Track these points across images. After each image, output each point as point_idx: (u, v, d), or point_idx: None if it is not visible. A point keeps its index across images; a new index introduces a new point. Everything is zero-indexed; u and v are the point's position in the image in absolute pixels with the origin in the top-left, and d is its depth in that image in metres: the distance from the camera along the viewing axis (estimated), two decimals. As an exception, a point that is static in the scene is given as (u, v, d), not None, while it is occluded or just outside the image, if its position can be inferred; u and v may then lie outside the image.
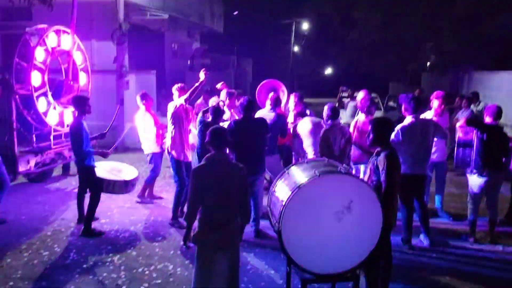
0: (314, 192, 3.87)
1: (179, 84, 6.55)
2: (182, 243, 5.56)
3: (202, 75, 6.12)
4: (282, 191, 4.16)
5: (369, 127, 4.30)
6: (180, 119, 6.22)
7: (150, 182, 7.15)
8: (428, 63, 22.88)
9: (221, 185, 3.62)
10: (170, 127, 6.26)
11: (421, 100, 5.74)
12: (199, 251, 3.66)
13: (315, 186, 3.86)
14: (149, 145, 6.92)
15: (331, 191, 3.90)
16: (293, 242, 3.89)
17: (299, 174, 4.17)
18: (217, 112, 5.87)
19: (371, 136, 4.24)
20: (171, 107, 6.30)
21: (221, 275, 3.62)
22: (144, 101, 6.88)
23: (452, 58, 18.28)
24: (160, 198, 7.35)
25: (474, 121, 6.05)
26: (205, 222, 3.65)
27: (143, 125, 6.86)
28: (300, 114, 6.61)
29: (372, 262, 4.08)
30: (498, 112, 5.64)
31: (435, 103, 6.41)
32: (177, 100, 6.29)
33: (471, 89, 15.06)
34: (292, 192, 3.86)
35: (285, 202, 3.85)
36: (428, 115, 6.42)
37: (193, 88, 6.10)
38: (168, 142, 6.29)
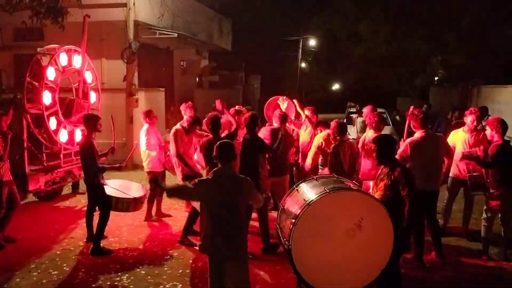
0: (324, 209, 3.85)
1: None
2: (191, 261, 5.53)
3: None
4: (291, 208, 4.14)
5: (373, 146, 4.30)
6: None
7: (152, 202, 7.14)
8: (436, 78, 22.84)
9: (227, 198, 3.67)
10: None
11: (429, 115, 5.70)
12: (210, 261, 3.76)
13: (325, 203, 3.84)
14: (151, 164, 6.93)
15: (341, 208, 3.87)
16: (303, 260, 3.85)
17: (308, 191, 4.15)
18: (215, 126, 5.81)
19: (376, 153, 4.25)
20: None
21: (234, 284, 3.72)
22: (147, 119, 6.93)
23: (460, 72, 18.22)
24: (169, 216, 7.33)
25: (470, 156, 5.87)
26: (214, 233, 3.69)
27: (145, 143, 6.87)
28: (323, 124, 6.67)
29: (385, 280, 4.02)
30: (504, 127, 5.50)
31: (469, 119, 6.24)
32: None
33: (480, 103, 14.95)
34: (301, 209, 3.84)
35: (295, 219, 3.82)
36: (460, 131, 6.31)
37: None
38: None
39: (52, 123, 7.46)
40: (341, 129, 5.87)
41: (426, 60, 19.47)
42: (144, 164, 7.04)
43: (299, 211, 3.85)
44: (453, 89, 20.40)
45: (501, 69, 17.90)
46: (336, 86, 39.36)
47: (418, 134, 5.40)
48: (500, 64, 17.69)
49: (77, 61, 8.11)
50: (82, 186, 8.21)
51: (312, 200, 3.85)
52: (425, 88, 23.55)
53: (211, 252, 3.73)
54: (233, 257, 3.70)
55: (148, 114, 6.97)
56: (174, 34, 14.04)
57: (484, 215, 5.62)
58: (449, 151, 5.69)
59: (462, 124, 6.58)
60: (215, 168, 3.83)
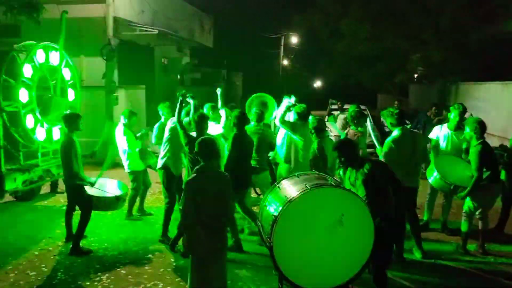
0: (305, 206, 3.85)
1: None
2: (172, 260, 5.49)
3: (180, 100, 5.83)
4: (273, 205, 4.13)
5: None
6: (176, 134, 6.12)
7: (134, 201, 7.07)
8: (416, 75, 23.13)
9: (213, 194, 3.75)
10: (166, 142, 6.19)
11: (405, 112, 5.77)
12: (193, 257, 3.80)
13: (306, 200, 3.84)
14: (132, 163, 6.86)
15: (323, 204, 3.88)
16: (285, 257, 3.85)
17: (290, 188, 4.15)
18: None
19: (340, 160, 4.33)
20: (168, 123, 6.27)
21: (217, 278, 3.83)
22: (127, 120, 6.82)
23: (439, 69, 18.50)
24: (150, 214, 7.27)
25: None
26: (201, 230, 3.73)
27: (123, 142, 6.77)
28: None
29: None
30: (483, 128, 5.56)
31: (452, 115, 6.32)
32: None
33: (458, 100, 15.23)
34: (283, 206, 3.84)
35: (277, 216, 3.82)
36: (444, 128, 6.38)
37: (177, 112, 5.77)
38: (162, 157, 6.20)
39: (29, 121, 7.30)
40: (321, 126, 5.88)
41: (406, 58, 19.68)
42: (125, 164, 6.94)
43: (280, 208, 3.85)
44: (432, 86, 20.72)
45: (478, 66, 18.25)
46: (317, 83, 39.60)
47: (396, 131, 5.46)
48: (478, 62, 18.02)
49: (55, 58, 7.96)
50: (61, 185, 8.08)
51: (293, 197, 3.85)
52: (405, 85, 23.83)
53: (194, 246, 3.77)
54: (218, 251, 3.81)
55: (130, 114, 6.89)
56: (155, 31, 13.90)
57: (466, 210, 5.69)
58: (426, 156, 5.76)
59: (442, 121, 6.70)
60: (198, 166, 3.84)
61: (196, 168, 3.85)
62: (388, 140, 5.43)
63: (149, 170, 7.21)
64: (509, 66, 16.82)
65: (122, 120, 6.88)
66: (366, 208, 3.86)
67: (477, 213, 5.63)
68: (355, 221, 3.85)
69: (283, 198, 4.00)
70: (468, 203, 5.61)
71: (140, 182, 7.02)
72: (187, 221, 3.81)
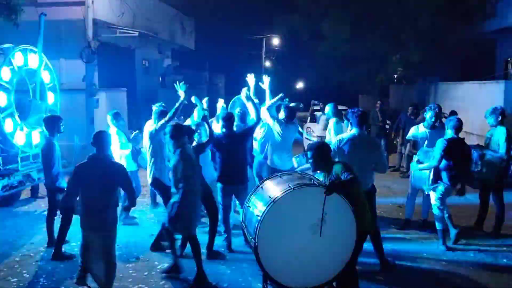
0: (289, 205, 3.89)
1: (159, 108, 6.25)
2: (157, 263, 5.46)
3: (181, 94, 5.99)
4: (256, 206, 4.16)
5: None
6: (160, 142, 6.01)
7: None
8: (396, 76, 23.47)
9: (99, 179, 4.35)
10: (153, 152, 6.03)
11: (367, 115, 5.75)
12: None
13: (289, 200, 3.88)
14: (125, 164, 6.80)
15: (306, 204, 3.92)
16: (269, 257, 3.88)
17: (273, 188, 4.19)
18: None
19: (313, 161, 4.25)
20: (148, 126, 6.23)
21: (97, 251, 4.41)
22: (115, 121, 6.79)
23: (418, 70, 18.81)
24: (133, 217, 7.20)
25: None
26: (84, 210, 4.47)
27: (116, 143, 6.74)
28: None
29: (347, 272, 4.10)
30: (459, 127, 5.73)
31: (428, 115, 6.44)
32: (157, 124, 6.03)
33: (437, 100, 15.51)
34: (267, 207, 3.87)
35: (260, 217, 3.85)
36: (421, 127, 6.53)
37: (173, 110, 5.82)
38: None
39: (8, 125, 7.18)
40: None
41: (386, 59, 19.94)
42: None
43: (264, 208, 3.88)
44: (412, 87, 21.03)
45: (457, 66, 18.62)
46: (299, 85, 39.79)
47: (351, 131, 5.20)
48: (456, 62, 18.39)
49: (33, 60, 7.84)
50: (42, 190, 7.95)
51: (277, 197, 3.89)
52: (386, 86, 24.13)
53: (81, 224, 4.49)
54: (98, 229, 4.39)
55: (116, 116, 6.86)
56: (135, 32, 13.83)
57: (437, 205, 5.79)
58: (383, 166, 5.27)
59: (421, 121, 6.86)
60: (90, 154, 4.47)
61: (89, 155, 4.45)
62: (340, 135, 5.31)
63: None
64: (485, 66, 17.23)
65: (110, 121, 6.82)
66: (349, 207, 3.91)
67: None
68: (338, 220, 3.91)
69: (267, 199, 4.03)
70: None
71: (138, 182, 6.97)
72: (66, 201, 4.66)
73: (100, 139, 4.49)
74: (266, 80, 6.80)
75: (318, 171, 4.30)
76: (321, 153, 4.24)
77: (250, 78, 6.83)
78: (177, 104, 5.91)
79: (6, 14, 7.88)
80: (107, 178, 4.38)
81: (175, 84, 6.19)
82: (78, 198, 5.79)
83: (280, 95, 6.69)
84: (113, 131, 6.76)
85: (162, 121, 5.80)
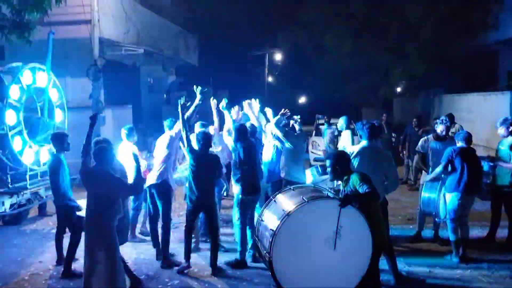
0: (303, 218, 3.85)
1: (171, 121, 6.35)
2: (167, 280, 5.40)
3: (197, 96, 6.04)
4: (270, 220, 4.13)
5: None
6: (176, 148, 6.10)
7: (136, 221, 6.95)
8: (399, 88, 23.53)
9: (99, 192, 4.43)
10: (167, 158, 6.06)
11: (378, 127, 5.74)
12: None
13: (303, 213, 3.85)
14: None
15: (320, 216, 3.89)
16: (284, 271, 3.84)
17: (286, 202, 4.16)
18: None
19: (332, 171, 4.23)
20: (166, 138, 6.20)
21: (100, 262, 4.44)
22: (130, 137, 6.72)
23: (421, 81, 18.87)
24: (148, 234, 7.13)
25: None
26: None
27: (129, 159, 6.67)
28: None
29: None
30: (469, 138, 5.79)
31: (439, 128, 6.45)
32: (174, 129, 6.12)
33: (442, 111, 15.48)
34: (281, 220, 3.83)
35: (275, 230, 3.81)
36: (430, 138, 6.52)
37: (191, 110, 5.91)
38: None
39: (17, 143, 7.20)
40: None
41: (388, 71, 20.02)
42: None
43: (278, 222, 3.84)
44: (415, 99, 21.05)
45: (459, 78, 18.66)
46: (302, 99, 39.87)
47: (362, 143, 5.23)
48: (458, 73, 18.44)
49: (42, 79, 7.90)
50: (50, 208, 7.92)
51: (290, 210, 3.86)
52: (389, 98, 24.18)
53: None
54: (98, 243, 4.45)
55: (131, 131, 6.78)
56: (140, 50, 13.94)
57: (451, 217, 5.74)
58: (394, 179, 5.30)
59: (429, 132, 6.84)
60: (92, 166, 4.62)
61: (91, 167, 4.61)
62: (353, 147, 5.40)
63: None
64: (488, 77, 17.26)
65: (124, 136, 6.75)
66: (364, 219, 3.87)
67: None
68: (353, 233, 3.86)
69: (280, 212, 4.00)
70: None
71: (142, 200, 6.90)
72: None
73: (98, 155, 4.62)
74: (255, 105, 7.03)
75: (337, 180, 4.28)
76: (341, 161, 4.22)
77: (255, 104, 6.91)
78: (193, 105, 5.95)
79: (20, 32, 7.94)
80: (102, 191, 4.48)
81: (194, 86, 6.20)
82: (83, 214, 5.82)
83: (283, 110, 6.65)
84: (127, 145, 6.68)
85: (180, 120, 5.85)
